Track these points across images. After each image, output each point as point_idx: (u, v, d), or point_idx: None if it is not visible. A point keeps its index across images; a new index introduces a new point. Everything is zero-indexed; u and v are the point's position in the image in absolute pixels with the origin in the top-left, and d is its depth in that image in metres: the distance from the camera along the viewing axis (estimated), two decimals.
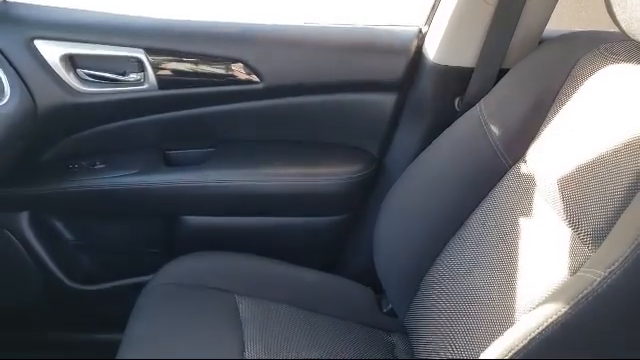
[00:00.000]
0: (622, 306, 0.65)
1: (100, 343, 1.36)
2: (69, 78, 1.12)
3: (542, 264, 0.82)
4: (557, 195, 0.83)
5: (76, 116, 1.16)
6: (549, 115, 0.92)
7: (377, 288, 1.16)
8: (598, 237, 0.75)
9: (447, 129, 1.07)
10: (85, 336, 1.37)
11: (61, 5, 1.15)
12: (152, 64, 1.12)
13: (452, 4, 1.06)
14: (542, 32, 1.07)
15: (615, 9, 0.80)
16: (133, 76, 1.13)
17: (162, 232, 1.29)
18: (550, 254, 0.81)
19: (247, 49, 1.14)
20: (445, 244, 0.99)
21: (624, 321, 0.66)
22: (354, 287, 1.18)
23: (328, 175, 1.22)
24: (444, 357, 0.90)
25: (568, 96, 0.89)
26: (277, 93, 1.18)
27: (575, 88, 0.89)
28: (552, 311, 0.65)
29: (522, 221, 0.89)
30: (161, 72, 1.13)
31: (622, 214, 0.71)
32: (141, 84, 1.14)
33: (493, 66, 1.08)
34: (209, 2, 1.29)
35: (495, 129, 0.97)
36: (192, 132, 1.24)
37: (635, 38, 0.79)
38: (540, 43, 1.08)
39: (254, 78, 1.15)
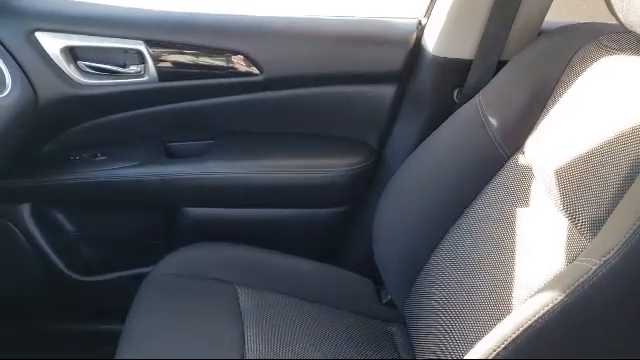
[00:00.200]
0: (617, 294, 0.66)
1: (100, 334, 1.36)
2: (70, 70, 1.12)
3: (540, 254, 0.83)
4: (554, 185, 0.83)
5: (77, 108, 1.17)
6: (547, 106, 0.92)
7: (376, 279, 1.17)
8: (595, 227, 0.75)
9: (446, 120, 1.07)
10: (85, 327, 1.38)
11: None
12: (152, 56, 1.13)
13: None
14: (541, 24, 1.08)
15: (613, 1, 0.81)
16: (133, 68, 1.14)
17: (162, 223, 1.29)
18: (547, 244, 0.82)
19: (247, 41, 1.14)
20: (444, 235, 1.00)
21: (619, 308, 0.67)
22: (353, 278, 1.19)
23: (328, 167, 1.23)
24: (442, 346, 0.91)
25: (566, 87, 0.90)
26: (277, 85, 1.18)
27: (573, 79, 0.89)
28: (548, 299, 0.66)
29: (520, 211, 0.89)
30: (161, 64, 1.14)
31: (618, 204, 0.72)
32: (141, 76, 1.14)
33: (492, 58, 1.08)
34: None
35: (493, 120, 0.97)
36: (192, 124, 1.25)
37: (633, 29, 0.79)
38: (539, 35, 1.08)
39: (254, 70, 1.15)
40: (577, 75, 0.89)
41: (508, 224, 0.90)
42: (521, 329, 0.66)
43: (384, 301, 1.16)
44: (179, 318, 1.02)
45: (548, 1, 1.06)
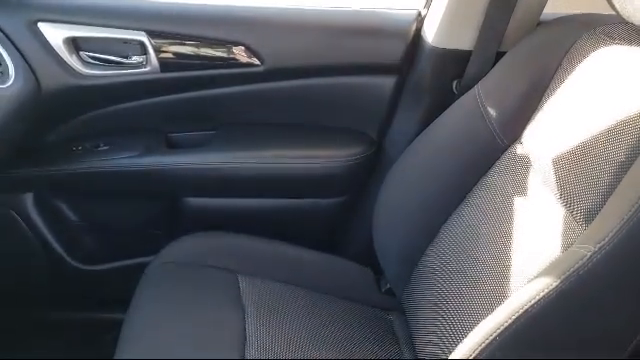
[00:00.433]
0: (612, 279, 0.67)
1: (102, 322, 1.38)
2: (72, 61, 1.13)
3: (536, 242, 0.84)
4: (551, 174, 0.84)
5: (79, 98, 1.18)
6: (545, 97, 0.93)
7: (376, 269, 1.18)
8: (590, 215, 0.76)
9: (445, 111, 1.08)
10: (87, 315, 1.40)
11: None
12: (154, 47, 1.13)
13: None
14: (539, 15, 1.08)
15: None
16: (135, 59, 1.15)
17: (164, 213, 1.30)
18: (544, 232, 0.83)
19: (248, 32, 1.15)
20: (443, 224, 1.01)
21: (614, 292, 0.68)
22: (353, 267, 1.20)
23: (328, 157, 1.24)
24: (441, 334, 0.92)
25: (563, 78, 0.91)
26: (277, 76, 1.19)
27: (571, 70, 0.90)
28: (544, 285, 0.67)
29: (517, 201, 0.90)
30: (163, 55, 1.14)
31: (613, 192, 0.73)
32: (143, 67, 1.15)
33: (491, 49, 1.09)
34: None
35: (492, 111, 0.98)
36: (194, 115, 1.26)
37: (630, 20, 0.80)
38: (537, 26, 1.09)
39: (255, 61, 1.16)
40: (574, 65, 0.90)
41: (506, 213, 0.91)
42: (517, 314, 0.67)
43: (383, 290, 1.17)
44: (180, 306, 1.03)
45: None
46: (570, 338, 0.69)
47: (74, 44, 1.13)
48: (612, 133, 0.77)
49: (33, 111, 1.09)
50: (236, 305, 1.04)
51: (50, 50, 1.11)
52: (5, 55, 1.06)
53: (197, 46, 1.15)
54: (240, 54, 1.15)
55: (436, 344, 0.92)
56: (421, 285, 1.02)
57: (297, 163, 1.23)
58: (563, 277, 0.66)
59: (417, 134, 1.12)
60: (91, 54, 1.14)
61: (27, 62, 1.09)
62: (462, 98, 1.07)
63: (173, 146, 1.26)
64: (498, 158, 0.97)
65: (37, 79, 1.10)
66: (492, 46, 1.09)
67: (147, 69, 1.15)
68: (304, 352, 0.98)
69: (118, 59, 1.14)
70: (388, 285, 1.15)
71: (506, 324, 0.68)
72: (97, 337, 1.35)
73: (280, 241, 1.19)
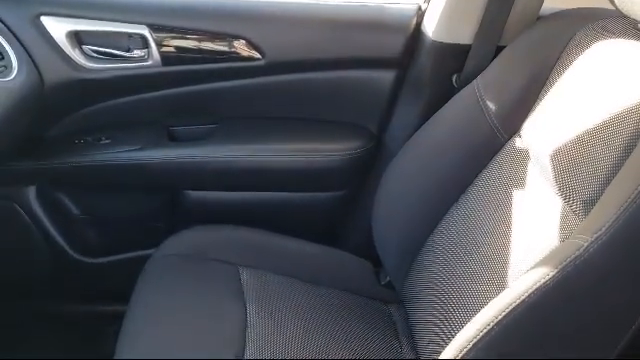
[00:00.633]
0: (608, 268, 0.68)
1: (103, 315, 1.39)
2: (75, 54, 1.14)
3: (535, 234, 0.85)
4: (549, 167, 0.85)
5: (82, 92, 1.18)
6: (543, 90, 0.94)
7: (375, 262, 1.19)
8: (588, 206, 0.77)
9: (445, 105, 1.09)
10: (89, 308, 1.41)
11: None
12: (156, 41, 1.14)
13: None
14: (539, 10, 1.09)
15: None
16: (137, 52, 1.15)
17: (165, 206, 1.31)
18: (543, 224, 0.84)
19: (249, 26, 1.16)
20: (442, 216, 1.02)
21: (610, 281, 0.69)
22: (353, 260, 1.21)
23: (328, 151, 1.24)
24: (439, 325, 0.93)
25: (562, 71, 0.91)
26: (278, 70, 1.19)
27: (569, 64, 0.91)
28: (541, 275, 0.68)
29: (516, 193, 0.91)
30: (165, 49, 1.15)
31: (610, 184, 0.74)
32: (145, 60, 1.16)
33: (490, 43, 1.09)
34: None
35: (491, 105, 0.99)
36: (195, 108, 1.26)
37: (627, 14, 0.81)
38: (537, 20, 1.10)
39: (255, 55, 1.16)
40: (573, 59, 0.90)
41: (505, 205, 0.92)
42: (515, 304, 0.68)
43: (383, 282, 1.18)
44: (181, 299, 1.04)
45: None
46: (568, 326, 0.70)
47: (76, 38, 1.13)
48: (609, 126, 0.78)
49: (36, 104, 1.10)
50: (237, 297, 1.04)
51: (53, 44, 1.12)
52: (8, 49, 1.06)
53: (198, 40, 1.16)
54: (241, 48, 1.16)
55: (435, 336, 0.93)
56: (420, 277, 1.03)
57: (297, 157, 1.24)
58: (560, 267, 0.67)
59: (417, 128, 1.13)
60: (93, 48, 1.15)
61: (30, 56, 1.10)
62: (462, 92, 1.07)
63: (174, 139, 1.26)
64: (497, 151, 0.98)
65: (40, 73, 1.11)
66: (492, 40, 1.10)
67: (149, 63, 1.16)
68: (304, 344, 0.99)
69: (120, 53, 1.15)
70: (388, 278, 1.16)
71: (504, 313, 0.69)
72: (99, 330, 1.36)
73: (280, 234, 1.20)
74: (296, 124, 1.27)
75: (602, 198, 0.73)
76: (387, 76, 1.20)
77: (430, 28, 1.13)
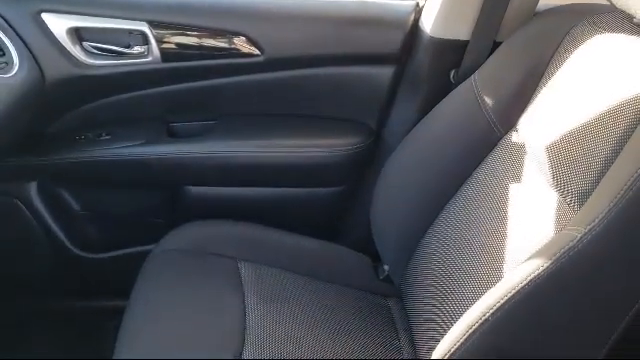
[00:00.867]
0: (601, 259, 0.69)
1: (104, 310, 1.40)
2: (75, 51, 1.14)
3: (531, 228, 0.85)
4: (545, 161, 0.86)
5: (82, 88, 1.19)
6: (540, 85, 0.95)
7: (374, 257, 1.20)
8: (583, 199, 0.78)
9: (443, 100, 1.10)
10: (89, 303, 1.42)
11: None
12: (156, 37, 1.15)
13: None
14: (536, 6, 1.09)
15: None
16: (137, 49, 1.16)
17: (165, 202, 1.32)
18: (538, 218, 0.85)
19: (248, 22, 1.16)
20: (440, 211, 1.03)
21: (603, 271, 0.70)
22: (352, 255, 1.21)
23: (327, 147, 1.25)
24: (438, 319, 0.94)
25: (558, 66, 0.92)
26: (277, 66, 1.20)
27: (565, 58, 0.92)
28: (535, 267, 0.69)
29: (513, 187, 0.92)
30: (164, 45, 1.16)
31: (604, 176, 0.75)
32: (145, 57, 1.16)
33: (487, 39, 1.10)
34: None
35: (488, 100, 1.00)
36: (195, 105, 1.27)
37: (622, 8, 0.82)
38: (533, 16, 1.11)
39: (255, 51, 1.17)
40: (568, 54, 0.91)
41: (502, 199, 0.92)
42: (509, 295, 0.69)
43: (381, 277, 1.19)
44: (181, 293, 1.05)
45: None
46: (562, 317, 0.71)
47: (77, 34, 1.14)
48: (603, 120, 0.79)
49: (37, 100, 1.11)
50: (237, 291, 1.05)
51: (53, 40, 1.12)
52: (9, 45, 1.07)
53: (198, 36, 1.16)
54: (240, 44, 1.17)
55: (434, 329, 0.94)
56: (419, 271, 1.04)
57: (296, 152, 1.25)
58: (554, 258, 0.68)
59: (415, 123, 1.13)
60: (94, 44, 1.15)
61: (31, 52, 1.10)
62: (459, 87, 1.08)
63: (174, 136, 1.27)
64: (494, 146, 0.99)
65: (41, 69, 1.11)
66: (489, 36, 1.10)
67: (149, 59, 1.16)
68: (303, 337, 0.99)
69: (120, 49, 1.16)
70: (386, 272, 1.17)
71: (498, 304, 0.70)
72: (99, 325, 1.37)
73: (280, 229, 1.21)
74: (295, 120, 1.28)
75: (596, 190, 0.74)
76: (385, 72, 1.21)
77: (428, 24, 1.13)
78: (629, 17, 0.87)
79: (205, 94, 1.25)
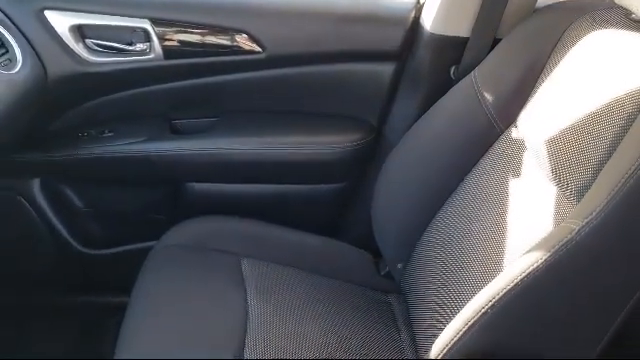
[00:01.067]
0: (599, 251, 0.70)
1: (106, 306, 1.40)
2: (78, 48, 1.15)
3: (530, 222, 0.86)
4: (544, 156, 0.87)
5: (85, 85, 1.20)
6: (539, 81, 0.95)
7: (375, 253, 1.20)
8: (581, 193, 0.79)
9: (443, 97, 1.10)
10: (92, 299, 1.43)
11: None
12: (158, 35, 1.15)
13: None
14: (535, 2, 1.10)
15: None
16: (140, 46, 1.17)
17: (168, 199, 1.32)
18: (538, 212, 0.85)
19: (250, 20, 1.17)
20: (440, 207, 1.04)
21: (601, 263, 0.71)
22: (353, 251, 1.22)
23: (328, 144, 1.25)
24: (438, 314, 0.94)
25: (557, 62, 0.93)
26: (279, 63, 1.21)
27: (563, 54, 0.92)
28: (534, 259, 0.69)
29: (513, 182, 0.93)
30: (167, 42, 1.16)
31: (602, 169, 0.75)
32: (147, 54, 1.17)
33: (487, 35, 1.11)
34: None
35: (488, 96, 1.01)
36: (197, 101, 1.28)
37: (620, 3, 0.82)
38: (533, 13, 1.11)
39: (256, 48, 1.18)
40: (567, 50, 0.92)
41: (502, 194, 0.93)
42: (507, 288, 0.70)
43: (382, 273, 1.19)
44: (183, 288, 1.05)
45: None
46: (561, 309, 0.72)
47: (80, 32, 1.15)
48: (601, 114, 0.80)
49: (40, 97, 1.11)
50: (238, 286, 1.06)
51: (56, 37, 1.13)
52: (12, 42, 1.08)
53: (200, 34, 1.17)
54: (242, 41, 1.17)
55: (434, 324, 0.94)
56: (419, 267, 1.05)
57: (298, 149, 1.25)
58: (552, 250, 0.69)
59: (416, 119, 1.14)
60: (96, 41, 1.16)
61: (34, 49, 1.11)
62: (459, 84, 1.09)
63: (177, 132, 1.27)
64: (494, 141, 0.99)
65: (44, 66, 1.12)
66: (489, 33, 1.11)
67: (151, 56, 1.17)
68: (304, 333, 1.00)
69: (123, 46, 1.16)
70: (387, 268, 1.17)
71: (497, 297, 0.70)
72: (101, 321, 1.38)
73: (281, 225, 1.21)
74: (297, 117, 1.28)
75: (594, 183, 0.75)
76: (386, 69, 1.21)
77: (428, 21, 1.14)
78: (628, 13, 0.88)
79: (207, 91, 1.25)
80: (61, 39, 1.13)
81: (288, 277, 1.11)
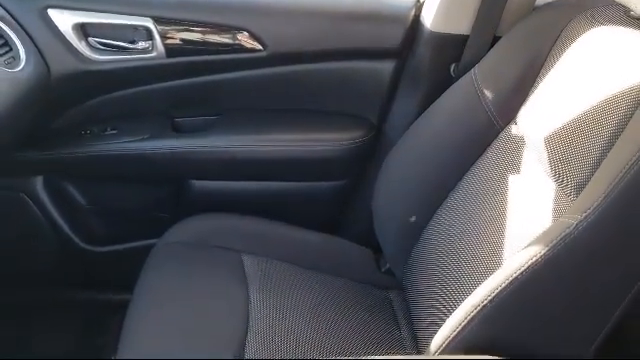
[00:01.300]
0: (597, 245, 0.70)
1: (109, 303, 1.41)
2: (81, 46, 1.16)
3: (529, 219, 0.87)
4: (544, 152, 0.87)
5: (88, 83, 1.21)
6: (538, 78, 0.96)
7: (376, 250, 1.21)
8: (580, 188, 0.79)
9: (443, 94, 1.11)
10: (95, 296, 1.43)
11: None
12: (160, 33, 1.16)
13: None
14: (535, 0, 1.11)
15: None
16: (142, 44, 1.17)
17: (170, 196, 1.33)
18: (537, 208, 0.86)
19: (251, 18, 1.18)
20: (440, 203, 1.04)
21: (599, 257, 0.71)
22: (354, 248, 1.23)
23: (329, 141, 1.26)
24: (439, 310, 0.95)
25: (556, 59, 0.94)
26: (280, 61, 1.21)
27: (562, 51, 0.93)
28: (532, 254, 0.70)
29: (512, 179, 0.93)
30: (169, 40, 1.17)
31: (601, 164, 0.76)
32: (149, 52, 1.18)
33: (487, 34, 1.11)
34: None
35: (488, 93, 1.01)
36: (199, 100, 1.28)
37: (619, 1, 0.83)
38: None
39: (257, 46, 1.18)
40: (566, 47, 0.92)
41: (501, 191, 0.94)
42: (506, 283, 0.71)
43: (383, 270, 1.20)
44: (185, 285, 1.06)
45: None
46: (559, 303, 0.73)
47: (82, 30, 1.16)
48: (600, 111, 0.80)
49: (43, 95, 1.12)
50: (240, 283, 1.06)
51: (59, 36, 1.14)
52: (16, 40, 1.09)
53: (202, 32, 1.18)
54: (243, 40, 1.18)
55: (434, 320, 0.95)
56: (420, 263, 1.05)
57: (299, 147, 1.26)
58: (551, 245, 0.69)
59: (416, 117, 1.14)
60: (99, 40, 1.17)
61: (37, 47, 1.12)
62: (459, 81, 1.09)
63: (179, 130, 1.28)
64: (494, 139, 1.00)
65: (47, 64, 1.13)
66: (489, 31, 1.11)
67: (153, 55, 1.18)
68: (305, 329, 1.00)
69: (125, 45, 1.17)
70: (388, 265, 1.18)
71: (496, 292, 0.71)
72: (103, 317, 1.39)
73: (282, 222, 1.22)
74: (298, 115, 1.29)
75: (593, 178, 0.76)
76: (386, 67, 1.22)
77: (428, 19, 1.14)
78: (626, 10, 0.89)
79: (209, 89, 1.26)
80: (64, 37, 1.14)
81: (289, 274, 1.11)
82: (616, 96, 0.79)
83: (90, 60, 1.17)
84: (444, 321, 0.91)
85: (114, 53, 1.18)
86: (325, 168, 1.29)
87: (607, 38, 0.87)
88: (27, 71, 1.07)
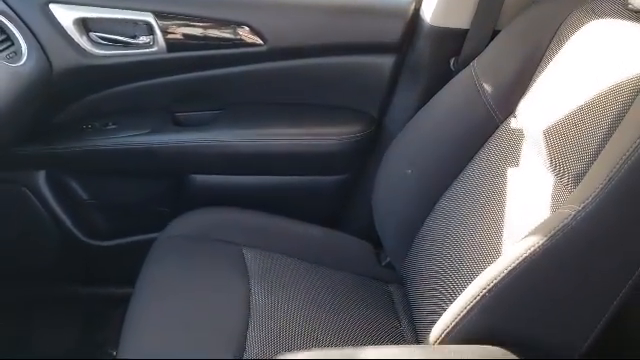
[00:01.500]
0: (595, 235, 0.71)
1: (111, 297, 1.42)
2: (82, 41, 1.16)
3: (529, 210, 0.87)
4: (542, 145, 0.88)
5: (89, 78, 1.21)
6: (537, 71, 0.97)
7: (376, 244, 1.21)
8: (577, 180, 0.80)
9: (443, 88, 1.11)
10: (97, 289, 1.44)
11: None
12: (161, 28, 1.17)
13: None
14: None
15: None
16: (143, 39, 1.18)
17: (171, 190, 1.34)
18: (536, 199, 0.86)
19: (251, 12, 1.18)
20: (440, 197, 1.05)
21: (597, 247, 0.72)
22: (354, 242, 1.23)
23: (329, 135, 1.26)
24: (439, 303, 0.95)
25: (555, 52, 0.94)
26: (280, 55, 1.22)
27: (561, 44, 0.93)
28: (531, 244, 0.71)
29: (511, 172, 0.94)
30: (169, 35, 1.18)
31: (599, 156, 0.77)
32: (150, 47, 1.18)
33: (487, 27, 1.12)
34: None
35: (487, 87, 1.02)
36: (199, 94, 1.29)
37: None
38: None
39: (258, 41, 1.19)
40: (565, 40, 0.93)
41: (501, 183, 0.94)
42: (504, 272, 0.71)
43: (383, 263, 1.20)
44: (187, 278, 1.06)
45: None
46: (557, 294, 0.73)
47: (84, 25, 1.16)
48: (598, 103, 0.81)
49: (44, 90, 1.13)
50: (241, 276, 1.07)
51: (61, 31, 1.14)
52: (18, 35, 1.09)
53: (202, 27, 1.18)
54: (244, 34, 1.19)
55: (435, 313, 0.95)
56: (420, 256, 1.06)
57: (300, 141, 1.26)
58: (549, 235, 0.70)
59: (416, 111, 1.15)
60: (100, 34, 1.17)
61: (39, 42, 1.12)
62: (459, 75, 1.10)
63: (179, 125, 1.28)
64: (493, 132, 1.00)
65: (48, 59, 1.14)
66: (488, 24, 1.12)
67: (154, 49, 1.18)
68: (306, 322, 1.01)
69: (126, 39, 1.18)
70: (388, 259, 1.19)
71: (495, 281, 0.72)
72: (106, 311, 1.39)
73: (283, 216, 1.22)
74: (298, 109, 1.29)
75: (590, 170, 0.76)
76: (386, 61, 1.22)
77: (428, 13, 1.15)
78: (625, 3, 0.89)
79: (209, 84, 1.27)
80: (66, 32, 1.15)
81: (290, 267, 1.12)
82: (614, 88, 0.79)
83: (91, 55, 1.18)
84: (444, 311, 0.92)
85: (115, 48, 1.18)
86: (326, 162, 1.30)
87: (606, 31, 0.88)
88: (29, 66, 1.08)
